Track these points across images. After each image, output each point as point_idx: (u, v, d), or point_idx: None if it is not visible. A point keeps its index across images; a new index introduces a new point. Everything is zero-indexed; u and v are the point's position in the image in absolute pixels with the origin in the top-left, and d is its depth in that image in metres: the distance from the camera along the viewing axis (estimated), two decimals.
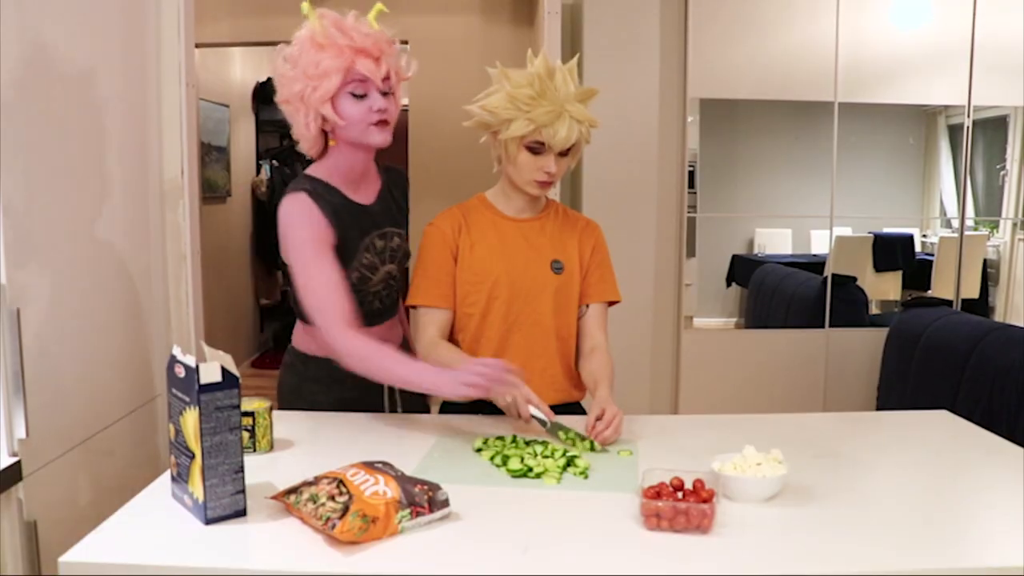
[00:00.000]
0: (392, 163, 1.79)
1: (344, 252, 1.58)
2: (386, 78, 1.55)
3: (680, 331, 3.44)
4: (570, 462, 1.36)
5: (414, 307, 1.70)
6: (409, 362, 1.52)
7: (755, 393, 3.43)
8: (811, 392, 3.47)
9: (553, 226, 1.73)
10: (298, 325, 1.72)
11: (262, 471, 1.31)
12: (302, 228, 1.54)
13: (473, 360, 1.48)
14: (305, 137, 1.60)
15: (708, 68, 3.32)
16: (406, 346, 1.79)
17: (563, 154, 1.61)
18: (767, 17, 3.33)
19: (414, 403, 1.77)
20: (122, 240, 1.90)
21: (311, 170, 1.64)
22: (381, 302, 1.70)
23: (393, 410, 1.73)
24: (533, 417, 1.50)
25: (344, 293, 1.52)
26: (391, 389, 1.72)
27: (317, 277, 1.52)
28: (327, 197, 1.58)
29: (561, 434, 1.50)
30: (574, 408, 1.73)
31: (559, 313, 1.69)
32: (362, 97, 1.54)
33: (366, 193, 1.67)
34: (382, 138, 1.58)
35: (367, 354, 1.49)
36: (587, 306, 1.74)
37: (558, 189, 1.69)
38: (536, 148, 1.59)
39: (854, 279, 3.56)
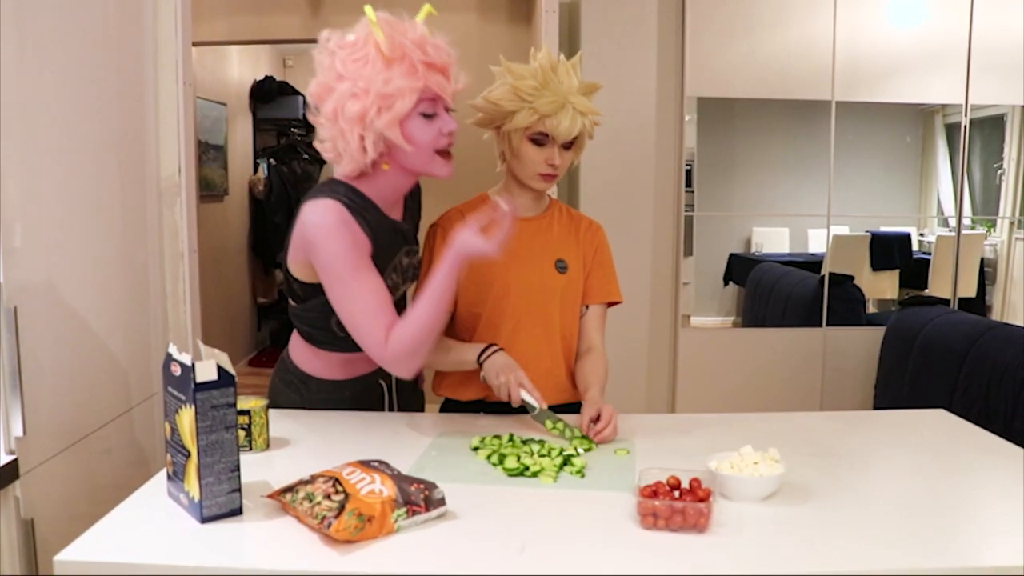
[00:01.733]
0: None
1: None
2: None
3: (677, 330, 3.44)
4: (567, 461, 1.36)
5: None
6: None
7: (752, 392, 3.44)
8: (808, 391, 3.47)
9: (557, 225, 1.72)
10: (298, 341, 1.62)
11: (258, 470, 1.31)
12: (337, 238, 1.38)
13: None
14: (353, 159, 1.42)
15: (705, 67, 3.32)
16: None
17: (567, 147, 1.60)
18: (764, 16, 3.33)
19: (412, 406, 1.76)
20: (119, 238, 1.90)
21: (345, 178, 1.47)
22: None
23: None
24: (523, 401, 1.50)
25: (392, 306, 1.41)
26: (390, 400, 1.70)
27: (359, 291, 1.38)
28: (364, 213, 1.44)
29: (548, 422, 1.50)
30: (576, 408, 1.73)
31: (564, 313, 1.69)
32: (431, 117, 1.41)
33: (397, 209, 1.57)
34: (448, 171, 1.47)
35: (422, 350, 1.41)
36: (587, 306, 1.73)
37: (555, 186, 1.68)
38: (540, 139, 1.58)
39: (851, 278, 3.56)
